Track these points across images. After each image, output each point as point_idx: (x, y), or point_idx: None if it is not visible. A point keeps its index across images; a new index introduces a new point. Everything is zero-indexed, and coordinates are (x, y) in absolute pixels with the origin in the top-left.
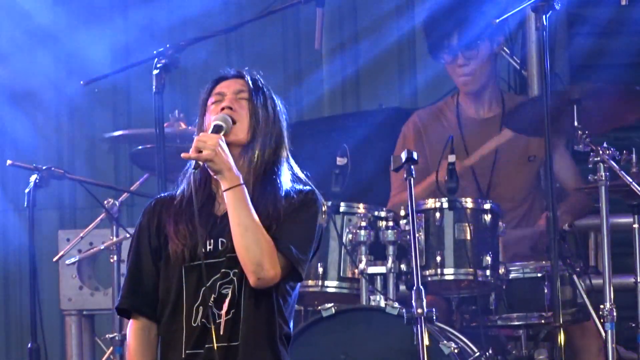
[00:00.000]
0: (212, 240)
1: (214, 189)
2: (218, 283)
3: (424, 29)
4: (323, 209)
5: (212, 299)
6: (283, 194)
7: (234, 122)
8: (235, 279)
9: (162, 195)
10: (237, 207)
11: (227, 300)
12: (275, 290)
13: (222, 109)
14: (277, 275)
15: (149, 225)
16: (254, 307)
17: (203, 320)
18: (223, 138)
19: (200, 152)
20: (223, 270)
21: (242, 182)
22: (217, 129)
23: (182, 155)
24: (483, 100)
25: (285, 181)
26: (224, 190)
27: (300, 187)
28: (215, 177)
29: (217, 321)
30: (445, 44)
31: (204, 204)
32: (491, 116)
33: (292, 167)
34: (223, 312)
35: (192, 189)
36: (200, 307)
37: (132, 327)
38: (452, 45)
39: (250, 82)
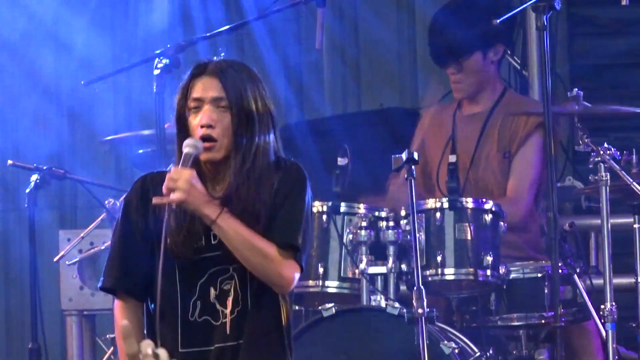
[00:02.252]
0: (205, 233)
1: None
2: (219, 278)
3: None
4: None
5: (213, 295)
6: (268, 182)
7: (213, 140)
8: (235, 274)
9: (154, 172)
10: (228, 237)
11: (230, 299)
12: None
13: (202, 126)
14: (296, 274)
15: (138, 203)
16: (260, 304)
17: (207, 317)
18: (194, 173)
19: (171, 190)
20: (220, 265)
21: (221, 210)
22: (187, 158)
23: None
24: (479, 99)
25: (270, 168)
26: (209, 224)
27: (280, 166)
28: (193, 213)
29: (223, 320)
30: (437, 55)
31: None
32: (479, 111)
33: (277, 151)
34: (228, 310)
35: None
36: (199, 302)
37: (118, 307)
38: (440, 58)
39: (229, 87)
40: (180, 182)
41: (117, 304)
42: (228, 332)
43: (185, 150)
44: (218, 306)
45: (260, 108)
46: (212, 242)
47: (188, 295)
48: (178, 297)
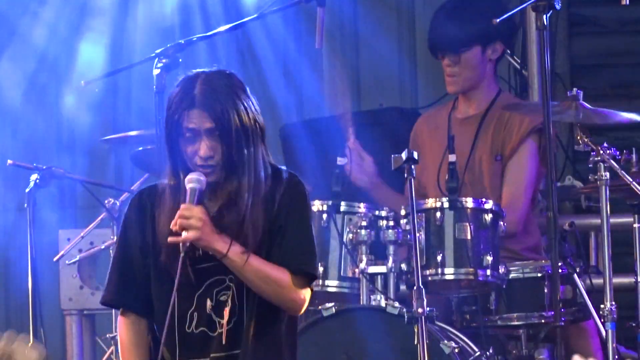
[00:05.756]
0: None
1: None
2: (215, 290)
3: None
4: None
5: (209, 307)
6: (266, 194)
7: (213, 166)
8: (232, 285)
9: (146, 187)
10: (239, 269)
11: (227, 309)
12: None
13: (203, 158)
14: (308, 296)
15: (137, 219)
16: (258, 315)
17: (203, 328)
18: (204, 209)
19: (184, 228)
20: (217, 276)
21: (230, 243)
22: (192, 193)
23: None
24: (473, 100)
25: (265, 177)
26: (220, 258)
27: (278, 177)
28: (204, 248)
29: (219, 330)
30: (434, 45)
31: None
32: (474, 114)
33: (268, 163)
34: (224, 321)
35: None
36: (195, 314)
37: (121, 322)
38: (439, 47)
39: (217, 118)
40: (194, 220)
41: (120, 320)
42: (224, 342)
43: (190, 185)
44: (214, 317)
45: (247, 123)
46: (210, 252)
47: (185, 306)
48: (176, 309)
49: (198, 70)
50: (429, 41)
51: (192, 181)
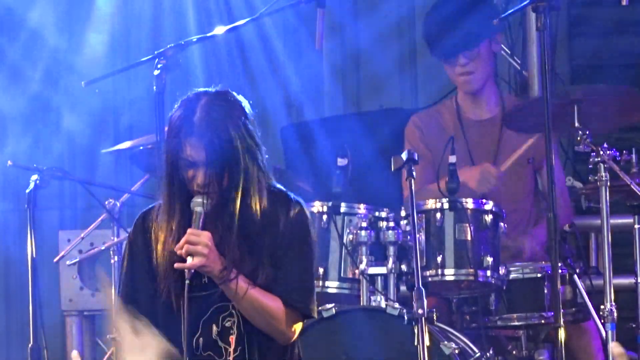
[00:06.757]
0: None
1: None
2: (220, 316)
3: (423, 27)
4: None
5: (215, 332)
6: (266, 216)
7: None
8: (234, 312)
9: (148, 210)
10: (237, 298)
11: (233, 338)
12: None
13: (202, 186)
14: (299, 329)
15: (142, 243)
16: (261, 342)
17: (210, 352)
18: (210, 235)
19: (190, 254)
20: (221, 303)
21: (229, 271)
22: (198, 217)
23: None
24: (481, 101)
25: (262, 201)
26: (219, 284)
27: (282, 201)
28: (205, 274)
29: (227, 358)
30: (446, 44)
31: None
32: (490, 117)
33: (267, 180)
34: (231, 349)
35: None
36: (201, 339)
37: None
38: (452, 45)
39: (211, 151)
40: (200, 247)
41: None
42: None
43: (197, 209)
44: (220, 343)
45: (241, 153)
46: (210, 276)
47: (192, 332)
48: (183, 334)
49: (200, 90)
50: (439, 46)
51: (199, 204)
